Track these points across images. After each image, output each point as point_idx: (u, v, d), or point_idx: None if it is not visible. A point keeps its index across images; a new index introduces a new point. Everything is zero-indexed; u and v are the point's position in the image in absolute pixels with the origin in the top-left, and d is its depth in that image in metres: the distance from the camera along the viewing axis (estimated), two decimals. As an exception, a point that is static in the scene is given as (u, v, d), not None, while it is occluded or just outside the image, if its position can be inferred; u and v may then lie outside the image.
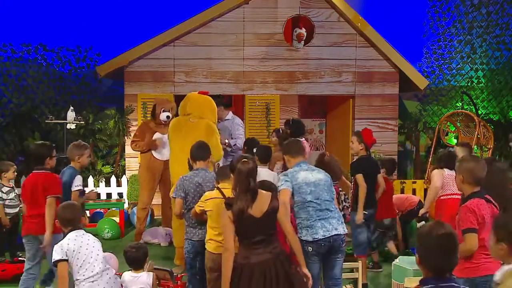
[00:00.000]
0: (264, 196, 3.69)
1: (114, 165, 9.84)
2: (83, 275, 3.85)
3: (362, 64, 9.73)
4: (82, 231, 4.03)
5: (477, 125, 9.37)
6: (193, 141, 5.31)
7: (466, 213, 3.58)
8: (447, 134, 10.30)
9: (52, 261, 3.87)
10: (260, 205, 3.64)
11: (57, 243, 3.95)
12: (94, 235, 4.26)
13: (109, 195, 9.40)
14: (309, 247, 4.16)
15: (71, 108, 8.96)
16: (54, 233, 4.76)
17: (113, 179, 9.44)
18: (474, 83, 12.18)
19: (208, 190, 4.69)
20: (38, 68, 11.10)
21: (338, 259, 4.35)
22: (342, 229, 4.32)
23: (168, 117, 7.55)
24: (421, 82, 9.87)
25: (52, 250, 3.93)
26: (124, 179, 9.34)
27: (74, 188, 5.28)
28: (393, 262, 5.23)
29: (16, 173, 6.91)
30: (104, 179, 9.46)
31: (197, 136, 5.72)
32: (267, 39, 9.55)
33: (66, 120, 8.93)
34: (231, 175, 3.99)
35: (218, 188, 4.55)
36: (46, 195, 4.85)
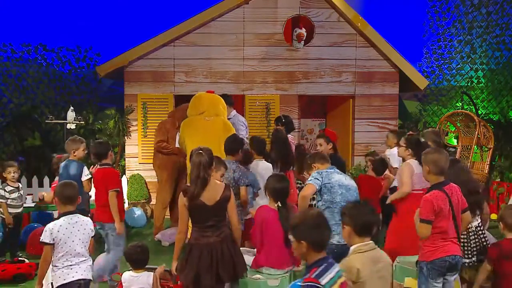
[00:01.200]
0: (217, 186, 4.08)
1: (114, 165, 9.83)
2: (62, 264, 4.00)
3: (362, 64, 9.73)
4: (76, 217, 4.10)
5: (477, 125, 9.37)
6: (213, 138, 5.71)
7: (424, 204, 3.96)
8: (447, 134, 10.30)
9: (40, 240, 4.02)
10: (213, 194, 4.02)
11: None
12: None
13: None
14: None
15: (71, 108, 8.96)
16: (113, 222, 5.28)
17: (113, 179, 9.43)
18: (474, 83, 12.17)
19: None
20: (38, 68, 11.10)
21: None
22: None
23: None
24: (421, 82, 9.88)
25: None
26: (124, 179, 9.33)
27: (84, 178, 5.84)
28: (394, 263, 5.21)
29: (15, 174, 6.84)
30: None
31: (216, 133, 6.07)
32: (267, 39, 9.56)
33: (66, 120, 8.93)
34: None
35: None
36: (108, 189, 5.31)
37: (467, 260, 4.57)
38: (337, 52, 9.68)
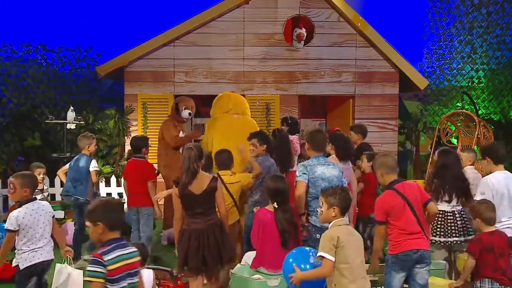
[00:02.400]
0: (204, 178, 4.51)
1: (114, 165, 9.83)
2: (28, 247, 4.34)
3: (362, 64, 9.72)
4: (37, 203, 4.44)
5: (477, 125, 9.36)
6: (245, 135, 5.93)
7: (376, 207, 4.32)
8: (447, 134, 10.29)
9: (4, 227, 4.33)
10: (200, 184, 4.44)
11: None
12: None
13: (109, 195, 9.39)
14: (317, 234, 4.42)
15: (71, 108, 8.97)
16: (151, 206, 6.24)
17: (113, 179, 9.45)
18: (474, 83, 12.17)
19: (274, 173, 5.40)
20: (38, 68, 11.10)
21: None
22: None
23: (190, 114, 7.61)
24: (421, 82, 9.87)
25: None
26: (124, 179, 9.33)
27: (92, 169, 6.61)
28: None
29: (43, 175, 6.85)
30: (104, 179, 9.45)
31: (248, 130, 6.19)
32: (267, 39, 9.55)
33: (66, 120, 8.93)
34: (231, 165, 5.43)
35: (218, 174, 5.18)
36: (147, 180, 6.20)
37: (456, 239, 5.08)
38: (337, 52, 9.67)
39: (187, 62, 9.44)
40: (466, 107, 11.68)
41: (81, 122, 9.29)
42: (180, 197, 4.44)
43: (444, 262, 5.11)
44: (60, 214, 8.34)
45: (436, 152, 6.58)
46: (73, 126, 8.96)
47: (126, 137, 9.31)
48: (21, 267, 4.36)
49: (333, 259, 3.53)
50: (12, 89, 10.76)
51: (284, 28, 9.63)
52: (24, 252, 4.33)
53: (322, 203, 3.80)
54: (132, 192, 6.40)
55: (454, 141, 10.59)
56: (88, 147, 6.74)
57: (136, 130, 9.36)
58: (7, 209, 8.34)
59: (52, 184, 9.35)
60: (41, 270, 4.45)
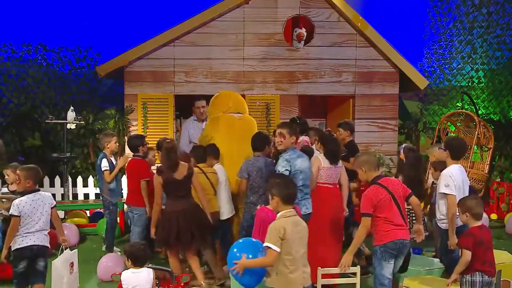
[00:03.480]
0: (183, 165, 5.30)
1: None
2: (22, 232, 4.78)
3: (362, 64, 9.72)
4: (38, 194, 4.88)
5: (477, 125, 9.35)
6: (248, 134, 6.13)
7: (364, 200, 4.57)
8: (447, 134, 10.28)
9: (9, 213, 4.87)
10: (181, 171, 5.26)
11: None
12: (94, 234, 4.38)
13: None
14: None
15: (71, 108, 8.97)
16: (143, 206, 6.36)
17: (113, 179, 9.43)
18: (474, 83, 12.16)
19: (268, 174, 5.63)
20: (38, 68, 11.08)
21: None
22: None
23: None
24: (421, 82, 9.87)
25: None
26: (124, 179, 9.32)
27: (102, 168, 6.85)
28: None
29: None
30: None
31: (251, 130, 6.43)
32: (267, 39, 9.55)
33: (66, 120, 8.93)
34: (207, 158, 6.09)
35: (198, 167, 5.93)
36: (140, 179, 6.31)
37: None
38: (337, 52, 9.67)
39: (187, 62, 9.44)
40: (466, 107, 11.67)
41: (81, 122, 9.29)
42: (165, 183, 5.16)
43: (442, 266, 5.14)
44: (61, 214, 8.35)
45: (402, 149, 6.71)
46: (73, 126, 8.96)
47: (126, 137, 9.30)
48: (12, 248, 4.84)
49: (278, 250, 3.69)
50: (12, 89, 10.75)
51: (284, 28, 9.63)
52: (18, 237, 4.78)
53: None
54: (129, 191, 6.71)
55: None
56: (107, 145, 7.00)
57: (136, 130, 9.36)
58: (7, 209, 8.34)
59: (52, 184, 9.36)
60: (30, 254, 4.81)
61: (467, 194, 5.15)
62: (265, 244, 3.73)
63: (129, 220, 7.03)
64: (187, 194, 5.35)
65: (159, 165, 5.74)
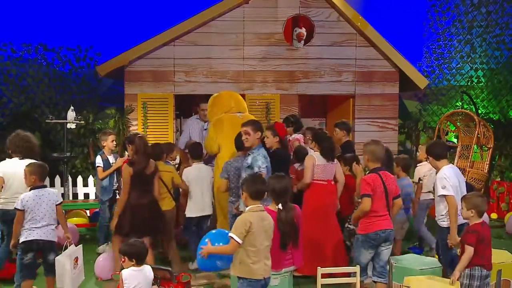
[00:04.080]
0: (151, 161, 5.60)
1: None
2: (29, 226, 4.98)
3: (362, 63, 9.73)
4: (43, 190, 5.09)
5: (477, 124, 9.37)
6: None
7: (363, 184, 4.90)
8: (447, 134, 10.30)
9: (14, 207, 5.05)
10: (151, 167, 5.56)
11: None
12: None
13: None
14: None
15: (71, 107, 8.96)
16: None
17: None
18: (474, 83, 12.18)
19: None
20: (38, 67, 11.08)
21: None
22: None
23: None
24: (421, 81, 9.87)
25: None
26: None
27: (96, 165, 7.05)
28: (394, 263, 5.20)
29: None
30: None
31: None
32: (267, 39, 9.56)
33: (66, 119, 8.93)
34: (164, 155, 6.36)
35: (155, 165, 5.97)
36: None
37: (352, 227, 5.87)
38: (337, 51, 9.68)
39: (187, 61, 9.45)
40: (465, 106, 11.69)
41: (81, 122, 9.29)
42: (135, 175, 5.40)
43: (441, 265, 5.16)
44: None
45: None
46: (73, 126, 8.96)
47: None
48: (20, 241, 5.03)
49: (240, 241, 3.94)
50: (12, 88, 10.75)
51: (284, 27, 9.63)
52: (24, 230, 4.99)
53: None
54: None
55: (454, 140, 10.60)
56: (104, 143, 7.16)
57: (136, 129, 9.36)
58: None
59: (52, 184, 9.36)
60: (36, 247, 5.04)
61: (464, 191, 5.25)
62: (230, 234, 3.99)
63: None
64: (151, 189, 5.60)
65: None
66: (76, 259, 5.28)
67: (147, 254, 4.45)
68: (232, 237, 3.95)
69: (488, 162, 9.57)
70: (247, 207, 4.14)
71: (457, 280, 4.51)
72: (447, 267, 5.10)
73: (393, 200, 5.02)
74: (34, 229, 4.98)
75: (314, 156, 5.90)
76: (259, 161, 5.32)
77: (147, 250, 4.46)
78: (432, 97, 12.11)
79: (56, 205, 5.12)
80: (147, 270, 4.29)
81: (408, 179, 6.76)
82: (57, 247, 5.22)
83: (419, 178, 7.20)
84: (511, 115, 11.60)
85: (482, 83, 12.15)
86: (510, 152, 10.66)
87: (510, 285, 5.12)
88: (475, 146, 9.59)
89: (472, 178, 9.30)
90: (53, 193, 5.16)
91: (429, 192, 7.07)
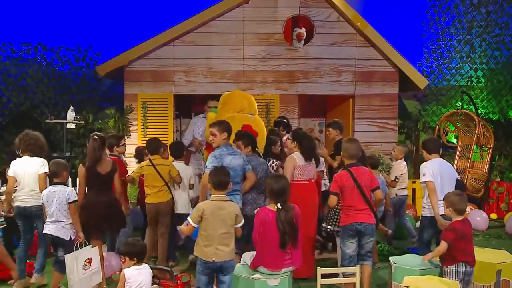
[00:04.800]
0: (109, 161, 5.62)
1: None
2: (47, 219, 5.26)
3: (362, 63, 9.73)
4: (56, 187, 5.25)
5: (477, 124, 9.37)
6: (262, 135, 6.41)
7: (333, 182, 5.29)
8: (447, 134, 10.30)
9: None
10: (105, 167, 5.53)
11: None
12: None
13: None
14: None
15: (71, 107, 8.96)
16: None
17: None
18: (473, 83, 12.17)
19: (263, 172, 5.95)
20: (38, 67, 11.07)
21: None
22: (244, 200, 5.67)
23: None
24: (420, 81, 9.88)
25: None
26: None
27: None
28: (394, 263, 5.20)
29: None
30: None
31: (263, 130, 6.60)
32: (267, 39, 9.56)
33: (66, 119, 8.92)
34: (161, 149, 6.57)
35: (150, 159, 6.39)
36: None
37: (330, 227, 5.99)
38: (337, 51, 9.69)
39: (187, 61, 9.45)
40: (465, 106, 11.68)
41: (81, 122, 9.29)
42: (89, 176, 5.46)
43: (439, 264, 5.18)
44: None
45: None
46: (73, 126, 8.96)
47: (126, 137, 9.30)
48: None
49: (195, 225, 4.40)
50: (12, 88, 10.74)
51: (284, 27, 9.64)
52: (45, 223, 5.31)
53: None
54: None
55: (454, 140, 10.61)
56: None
57: (136, 129, 9.37)
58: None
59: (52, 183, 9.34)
60: (50, 241, 5.38)
61: (448, 186, 5.52)
62: (188, 218, 4.50)
63: None
64: (107, 187, 5.62)
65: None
66: (90, 260, 5.19)
67: (146, 253, 4.47)
68: (188, 221, 4.46)
69: (488, 162, 9.58)
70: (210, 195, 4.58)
71: (426, 261, 4.94)
72: (422, 250, 5.57)
73: (372, 192, 5.24)
74: (48, 223, 5.23)
75: (295, 157, 5.93)
76: (208, 161, 5.43)
77: (145, 247, 4.48)
78: (431, 97, 12.10)
79: (69, 203, 5.21)
80: (147, 268, 4.31)
81: (380, 176, 6.92)
82: (71, 245, 5.24)
83: (396, 177, 7.39)
84: (511, 115, 11.60)
85: (482, 83, 12.15)
86: (510, 152, 10.65)
87: (509, 285, 5.12)
88: (475, 146, 9.60)
89: (472, 178, 9.30)
90: (65, 190, 5.23)
91: (405, 188, 7.58)
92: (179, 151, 6.80)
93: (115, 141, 6.68)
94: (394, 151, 7.71)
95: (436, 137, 6.55)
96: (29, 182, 5.70)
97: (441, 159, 5.83)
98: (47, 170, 5.67)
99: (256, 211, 5.06)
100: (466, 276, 4.70)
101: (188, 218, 4.46)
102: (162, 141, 6.95)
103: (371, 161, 6.72)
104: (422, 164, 5.72)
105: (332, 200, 5.22)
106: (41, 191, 5.48)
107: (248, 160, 5.78)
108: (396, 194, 7.48)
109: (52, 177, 5.36)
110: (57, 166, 5.33)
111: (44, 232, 5.28)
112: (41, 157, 5.86)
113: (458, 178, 5.96)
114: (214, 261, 4.36)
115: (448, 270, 4.70)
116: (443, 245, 4.68)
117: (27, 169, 5.71)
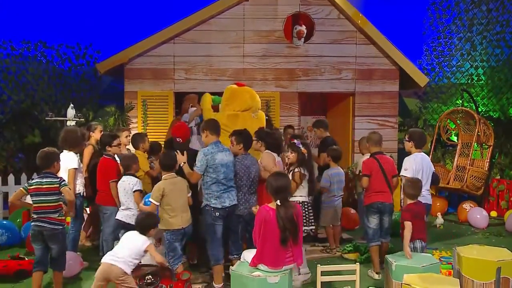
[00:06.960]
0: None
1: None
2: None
3: (362, 61, 9.72)
4: (125, 177, 5.82)
5: (477, 122, 9.36)
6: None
7: (363, 165, 6.22)
8: (447, 132, 10.30)
9: None
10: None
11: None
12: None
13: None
14: (217, 212, 5.42)
15: (71, 105, 8.96)
16: (112, 205, 6.09)
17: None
18: (474, 81, 12.17)
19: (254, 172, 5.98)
20: (38, 65, 11.09)
21: (237, 221, 5.72)
22: (237, 199, 5.72)
23: None
24: (421, 79, 9.87)
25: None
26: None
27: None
28: (394, 262, 5.19)
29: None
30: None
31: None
32: (267, 36, 9.55)
33: (66, 117, 8.92)
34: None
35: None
36: (108, 179, 6.08)
37: (308, 228, 5.97)
38: (337, 49, 9.67)
39: (187, 59, 9.44)
40: (465, 104, 11.68)
41: (81, 119, 9.28)
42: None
43: (438, 261, 5.21)
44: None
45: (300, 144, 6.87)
46: (73, 123, 8.95)
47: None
48: None
49: (157, 203, 5.27)
50: (12, 86, 10.76)
51: (284, 25, 9.62)
52: None
53: None
54: (98, 189, 6.27)
55: (454, 138, 10.60)
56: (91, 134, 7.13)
57: (136, 127, 9.36)
58: (7, 206, 8.35)
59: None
60: (121, 227, 5.83)
61: (427, 178, 6.12)
62: (149, 199, 5.29)
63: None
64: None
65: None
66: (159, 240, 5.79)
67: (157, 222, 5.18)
68: (151, 201, 5.27)
69: (488, 160, 9.57)
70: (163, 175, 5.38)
71: (409, 255, 5.14)
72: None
73: (392, 178, 6.12)
74: (121, 210, 5.84)
75: (271, 153, 6.08)
76: (197, 159, 5.48)
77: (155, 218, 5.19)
78: (432, 95, 12.10)
79: (133, 191, 5.72)
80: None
81: (338, 169, 7.22)
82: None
83: (359, 171, 7.30)
84: (511, 113, 11.59)
85: (483, 81, 12.14)
86: (510, 150, 10.65)
87: (509, 283, 5.11)
88: (475, 144, 9.59)
89: (472, 176, 9.30)
90: (129, 181, 5.76)
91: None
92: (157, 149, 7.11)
93: (107, 140, 6.36)
94: (359, 145, 8.04)
95: (422, 131, 6.73)
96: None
97: (423, 153, 6.23)
98: (75, 165, 6.07)
99: (252, 209, 5.42)
100: (421, 251, 5.29)
101: (150, 199, 5.26)
102: (162, 140, 6.97)
103: (334, 153, 7.12)
104: (406, 158, 6.16)
105: (365, 181, 6.06)
106: (69, 185, 5.62)
107: (241, 159, 5.79)
108: (363, 189, 7.45)
109: (125, 170, 5.91)
110: (128, 160, 5.94)
111: (116, 218, 5.86)
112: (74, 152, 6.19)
113: (433, 171, 6.37)
114: (182, 228, 5.28)
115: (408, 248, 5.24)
116: (408, 225, 5.23)
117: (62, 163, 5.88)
